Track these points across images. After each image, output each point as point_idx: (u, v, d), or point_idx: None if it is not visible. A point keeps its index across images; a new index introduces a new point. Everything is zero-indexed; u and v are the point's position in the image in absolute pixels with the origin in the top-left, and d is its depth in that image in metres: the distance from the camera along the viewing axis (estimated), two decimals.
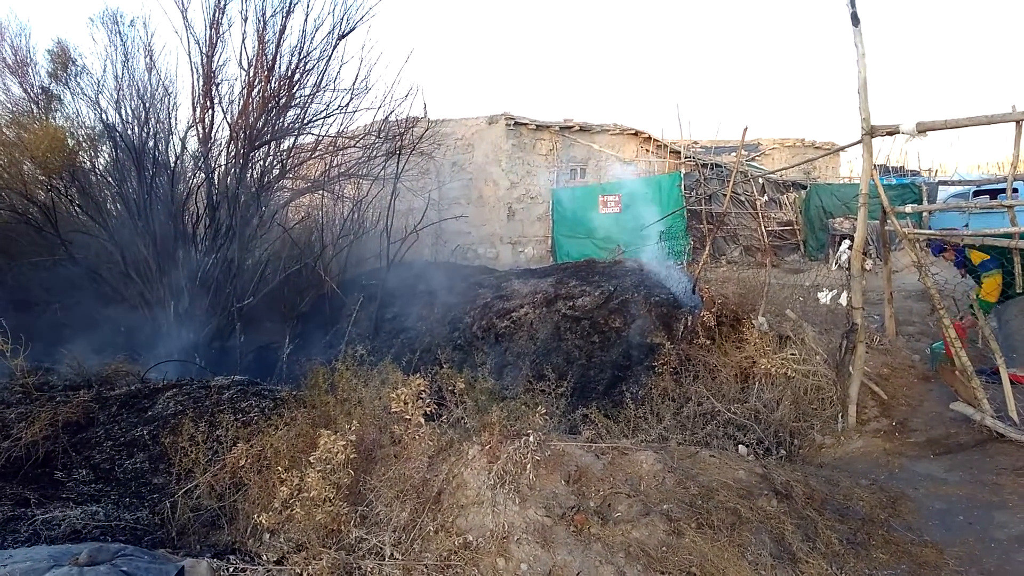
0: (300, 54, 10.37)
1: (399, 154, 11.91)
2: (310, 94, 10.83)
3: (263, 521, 3.61)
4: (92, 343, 8.55)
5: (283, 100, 10.49)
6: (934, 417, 6.08)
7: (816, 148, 24.29)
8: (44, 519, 3.84)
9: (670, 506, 3.91)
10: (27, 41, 10.74)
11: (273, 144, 10.90)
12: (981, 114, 5.48)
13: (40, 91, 10.65)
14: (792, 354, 6.78)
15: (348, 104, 11.21)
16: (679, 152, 18.53)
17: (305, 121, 11.02)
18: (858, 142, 6.18)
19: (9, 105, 10.71)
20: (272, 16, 10.05)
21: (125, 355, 7.96)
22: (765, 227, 16.52)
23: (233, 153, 10.38)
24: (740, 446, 5.79)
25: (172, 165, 10.47)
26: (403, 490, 3.88)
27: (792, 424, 6.17)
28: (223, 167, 10.57)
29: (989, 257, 6.35)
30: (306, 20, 10.33)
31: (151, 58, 10.35)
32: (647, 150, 19.02)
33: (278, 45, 10.17)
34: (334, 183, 12.14)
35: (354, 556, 3.46)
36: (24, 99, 10.67)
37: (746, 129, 8.86)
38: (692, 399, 6.55)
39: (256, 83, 10.17)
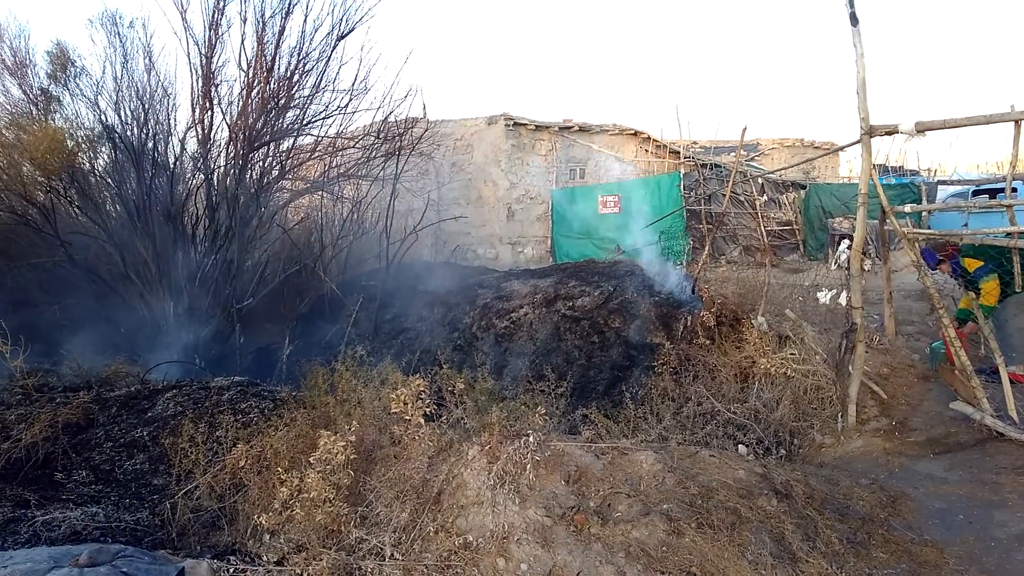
0: (299, 55, 10.38)
1: (398, 155, 11.90)
2: (309, 95, 10.84)
3: (263, 522, 3.61)
4: (92, 344, 8.54)
5: (282, 101, 10.49)
6: (934, 416, 6.08)
7: (815, 148, 24.31)
8: (44, 520, 3.84)
9: (670, 506, 3.91)
10: (26, 42, 10.75)
11: (272, 145, 10.90)
12: (980, 114, 5.48)
13: (39, 92, 10.63)
14: (792, 354, 6.78)
15: (347, 105, 11.23)
16: (678, 152, 18.55)
17: (304, 122, 11.03)
18: (857, 142, 6.18)
19: (8, 106, 10.72)
20: (271, 17, 10.07)
21: (125, 356, 7.96)
22: (764, 227, 16.53)
23: (232, 154, 10.37)
24: (740, 446, 5.79)
25: (171, 166, 10.46)
26: (403, 490, 3.88)
27: (792, 424, 6.17)
28: (222, 168, 10.57)
29: (982, 263, 6.39)
30: (305, 21, 10.34)
31: (150, 59, 10.37)
32: (646, 150, 19.04)
33: (277, 46, 10.18)
34: (333, 184, 12.15)
35: (354, 556, 3.46)
36: (23, 100, 10.67)
37: (745, 129, 8.88)
38: (692, 399, 6.55)
39: (255, 84, 10.17)
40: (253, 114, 10.21)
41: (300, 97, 10.77)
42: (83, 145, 10.62)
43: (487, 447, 4.06)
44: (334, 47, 10.65)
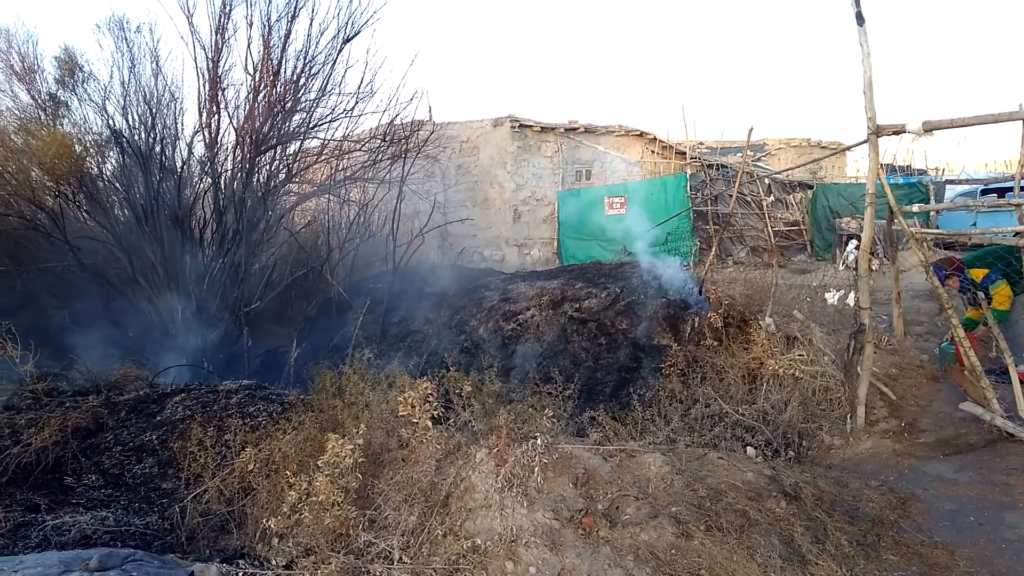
0: (305, 58, 10.42)
1: (404, 157, 11.93)
2: (315, 98, 10.87)
3: (272, 525, 3.62)
4: (101, 348, 8.59)
5: (289, 104, 10.53)
6: (943, 417, 6.04)
7: (822, 148, 24.25)
8: (54, 525, 3.86)
9: (679, 508, 3.91)
10: (34, 48, 10.83)
11: (279, 148, 10.93)
12: (987, 113, 5.44)
13: (47, 98, 10.71)
14: (800, 355, 6.75)
15: (353, 108, 11.25)
16: (684, 153, 18.52)
17: (311, 125, 11.06)
18: (864, 142, 6.15)
19: (17, 112, 10.78)
20: (277, 21, 10.11)
21: (133, 360, 7.99)
22: (772, 227, 16.50)
23: (239, 158, 10.43)
24: (748, 448, 5.77)
25: (179, 170, 10.52)
26: (411, 494, 3.88)
27: (800, 425, 6.14)
28: (229, 172, 10.62)
29: (989, 271, 6.36)
30: (311, 24, 10.41)
31: (157, 64, 10.42)
32: (652, 151, 19.01)
33: (283, 50, 10.22)
34: (340, 187, 12.18)
35: (363, 560, 3.47)
36: (32, 106, 10.75)
37: (752, 129, 8.85)
38: (700, 401, 6.53)
39: (262, 88, 10.22)
40: (260, 118, 10.25)
41: (306, 100, 10.82)
42: (91, 150, 10.69)
43: (495, 450, 4.06)
44: (340, 50, 10.69)
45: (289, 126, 10.74)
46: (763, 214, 16.71)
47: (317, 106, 10.97)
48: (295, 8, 10.11)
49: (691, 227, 15.75)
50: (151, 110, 10.26)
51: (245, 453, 4.34)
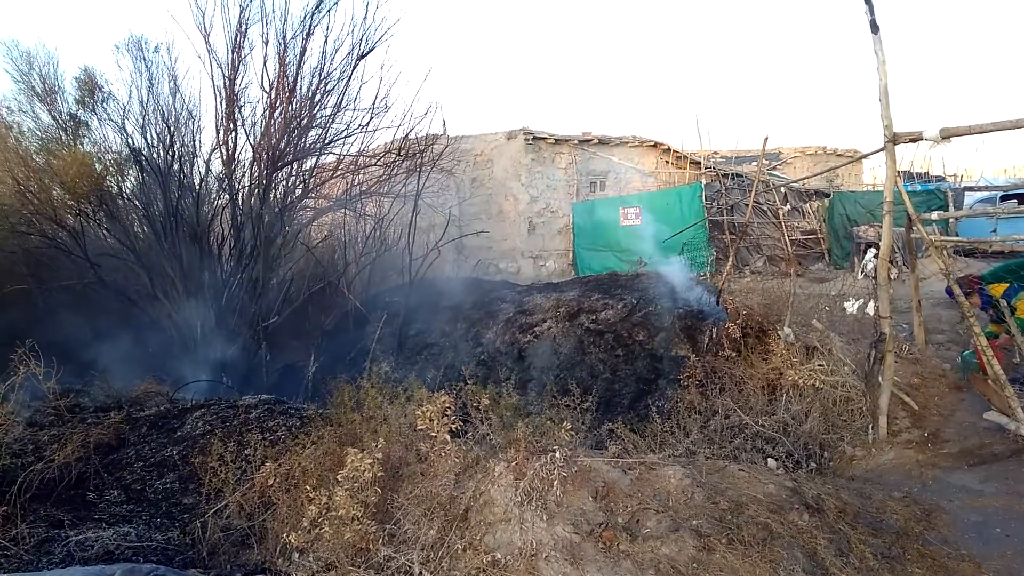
0: (320, 75, 10.51)
1: (419, 171, 12.00)
2: (331, 114, 10.94)
3: (292, 540, 3.62)
4: (121, 364, 8.67)
5: (304, 121, 10.62)
6: (967, 427, 5.97)
7: (838, 156, 24.10)
8: (78, 540, 3.89)
9: (699, 521, 3.87)
10: (55, 69, 10.98)
11: (295, 164, 11.02)
12: (1006, 118, 5.40)
13: (68, 118, 10.86)
14: (820, 365, 6.69)
15: (368, 123, 11.31)
16: (699, 163, 18.48)
17: (326, 141, 11.13)
18: (880, 150, 6.12)
19: (39, 132, 10.94)
20: (292, 38, 10.21)
21: (153, 375, 8.07)
22: (788, 236, 16.40)
23: (256, 174, 10.52)
24: (769, 459, 5.71)
25: (197, 187, 10.63)
26: (430, 508, 3.88)
27: (822, 436, 6.08)
28: (247, 188, 10.71)
29: (1010, 284, 6.30)
30: (326, 41, 10.49)
31: (175, 83, 10.55)
32: (667, 161, 18.98)
33: (299, 67, 10.32)
34: (356, 201, 12.25)
35: (383, 575, 3.46)
36: (53, 126, 10.90)
37: (767, 139, 8.83)
38: (719, 412, 6.48)
39: (278, 105, 10.32)
40: (276, 134, 10.34)
41: (322, 116, 10.90)
42: (111, 168, 10.84)
43: (513, 463, 4.05)
44: (354, 67, 10.77)
45: (305, 142, 10.83)
46: (779, 223, 16.62)
47: (333, 122, 11.05)
48: (310, 26, 10.23)
49: (707, 237, 15.69)
50: (169, 128, 10.38)
51: (265, 468, 4.36)
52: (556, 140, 17.15)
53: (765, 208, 16.81)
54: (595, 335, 8.75)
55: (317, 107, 10.69)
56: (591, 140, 17.69)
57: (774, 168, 22.42)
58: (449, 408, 4.26)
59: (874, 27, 5.72)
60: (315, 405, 6.33)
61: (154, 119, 10.41)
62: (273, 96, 10.25)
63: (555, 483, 3.88)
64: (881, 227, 6.20)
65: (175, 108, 10.51)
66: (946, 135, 5.65)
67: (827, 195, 17.26)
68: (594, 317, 9.07)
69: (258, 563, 3.87)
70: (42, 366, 5.61)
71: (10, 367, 5.21)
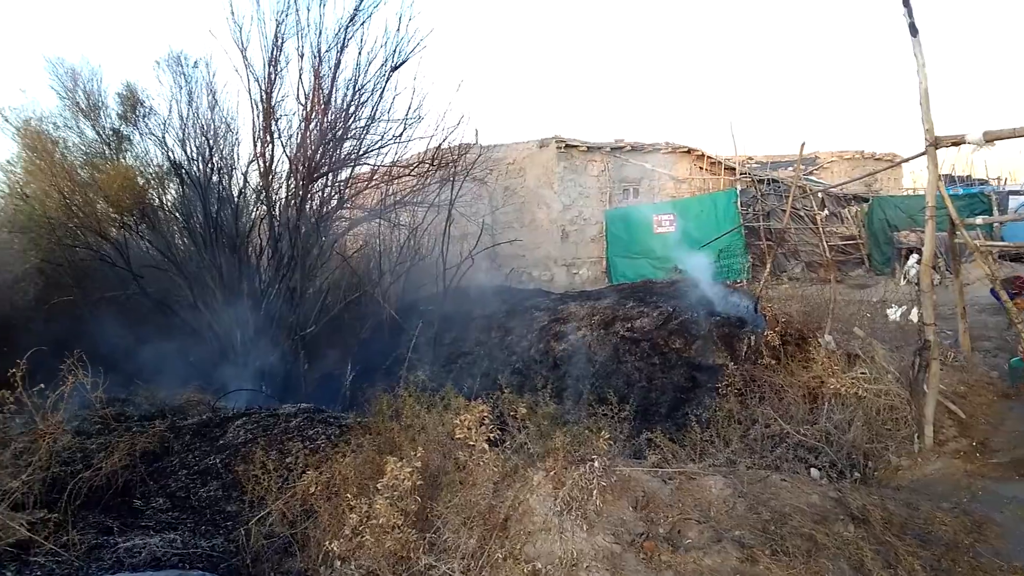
0: (355, 87, 10.63)
1: (452, 181, 12.07)
2: (365, 126, 11.05)
3: (334, 548, 3.65)
4: (164, 373, 8.85)
5: (339, 132, 10.75)
6: (1017, 436, 5.79)
7: (876, 160, 23.66)
8: (126, 547, 3.97)
9: (742, 532, 3.81)
10: (99, 85, 11.28)
11: (331, 175, 11.15)
12: None
13: (111, 133, 11.15)
14: (862, 373, 6.56)
15: (402, 134, 11.40)
16: (734, 168, 18.30)
17: (361, 152, 11.24)
18: (921, 154, 6.00)
19: (83, 147, 11.26)
20: (327, 52, 10.36)
21: (196, 384, 8.21)
22: (827, 242, 16.15)
23: (293, 185, 10.67)
24: (812, 469, 5.61)
25: (235, 199, 10.84)
26: (470, 516, 3.87)
27: (865, 446, 5.95)
28: (284, 199, 10.87)
29: None
30: (360, 54, 10.59)
31: (214, 97, 10.78)
32: (701, 167, 18.83)
33: (333, 79, 10.46)
34: (390, 211, 12.36)
35: None
36: (97, 141, 11.21)
37: (804, 144, 8.72)
38: (759, 421, 6.39)
39: (313, 117, 10.46)
40: (312, 146, 10.49)
41: (356, 128, 11.01)
42: (152, 181, 11.12)
43: (552, 472, 4.03)
44: (388, 78, 10.87)
45: (340, 153, 10.96)
46: (817, 228, 16.37)
47: (367, 133, 11.16)
48: (344, 39, 10.37)
49: (744, 243, 15.52)
50: (208, 141, 10.60)
51: (306, 476, 4.40)
52: (588, 148, 17.13)
53: (802, 213, 16.58)
54: (631, 343, 8.70)
55: (351, 119, 10.82)
56: (624, 147, 17.63)
57: (811, 173, 22.11)
58: (486, 417, 4.26)
59: (913, 30, 5.62)
60: (354, 414, 6.38)
61: (194, 132, 10.65)
62: (308, 108, 10.40)
63: (594, 492, 3.85)
64: (923, 232, 6.06)
65: (214, 121, 10.74)
66: (989, 138, 5.52)
67: (866, 200, 16.97)
68: (629, 325, 9.01)
69: (301, 571, 3.90)
70: (89, 375, 5.75)
71: (59, 377, 5.34)
